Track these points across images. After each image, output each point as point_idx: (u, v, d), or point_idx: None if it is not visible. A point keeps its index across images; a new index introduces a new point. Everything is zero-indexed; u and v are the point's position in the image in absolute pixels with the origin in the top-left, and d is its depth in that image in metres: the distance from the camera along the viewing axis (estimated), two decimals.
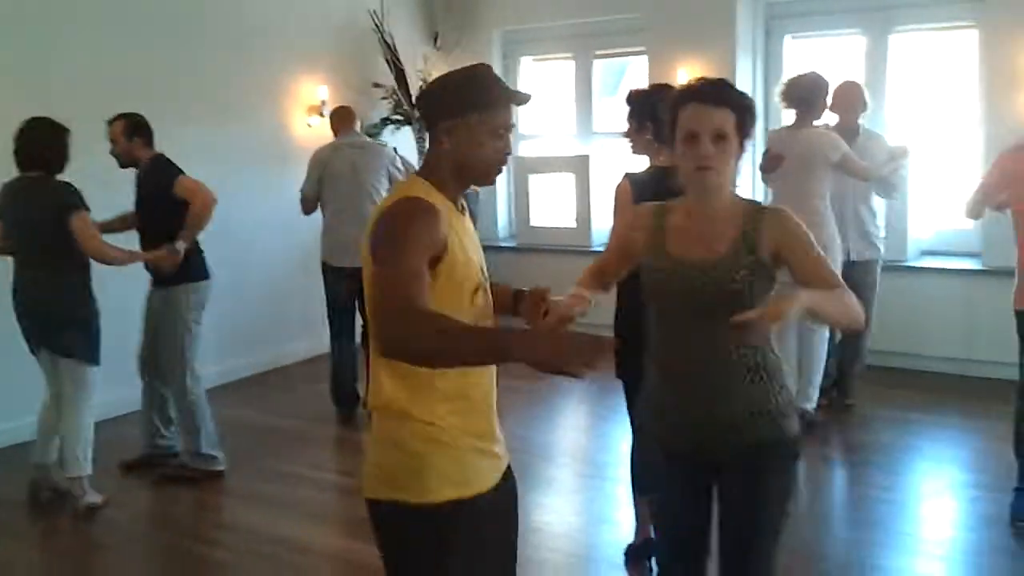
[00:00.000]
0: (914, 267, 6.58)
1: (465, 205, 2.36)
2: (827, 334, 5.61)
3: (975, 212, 4.65)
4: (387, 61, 7.99)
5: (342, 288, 5.84)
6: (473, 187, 2.42)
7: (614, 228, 2.50)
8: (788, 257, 2.49)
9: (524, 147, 8.78)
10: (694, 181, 2.49)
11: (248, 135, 7.15)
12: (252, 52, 7.12)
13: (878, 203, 5.84)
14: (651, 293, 2.60)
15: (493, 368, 2.31)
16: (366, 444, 2.53)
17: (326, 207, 5.99)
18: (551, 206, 8.39)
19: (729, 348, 2.48)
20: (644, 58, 7.74)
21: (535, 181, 8.40)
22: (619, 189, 3.80)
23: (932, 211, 6.88)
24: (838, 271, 5.39)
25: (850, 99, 5.64)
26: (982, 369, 6.39)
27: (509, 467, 2.42)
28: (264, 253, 7.24)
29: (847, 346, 5.88)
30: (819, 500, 4.90)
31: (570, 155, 8.22)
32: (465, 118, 2.20)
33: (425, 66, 8.13)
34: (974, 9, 6.52)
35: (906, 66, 6.97)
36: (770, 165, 5.41)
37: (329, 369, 6.17)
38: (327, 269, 6.03)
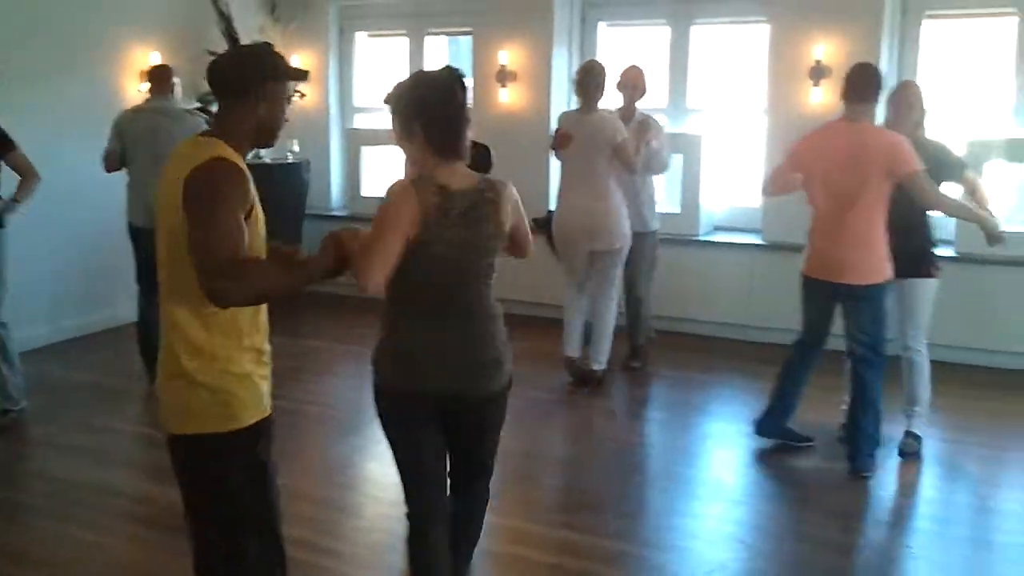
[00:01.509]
0: (706, 241, 7.20)
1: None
2: (615, 299, 6.17)
3: (769, 189, 5.13)
4: (221, 30, 8.12)
5: (147, 248, 5.88)
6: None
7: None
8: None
9: (358, 120, 9.08)
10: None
11: (81, 97, 7.19)
12: (83, 13, 7.17)
13: (655, 181, 6.46)
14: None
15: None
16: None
17: (130, 169, 5.98)
18: (382, 177, 8.72)
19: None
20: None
21: (367, 153, 8.73)
22: None
23: (724, 190, 7.54)
24: (628, 239, 5.98)
25: (633, 82, 6.22)
26: (760, 335, 7.08)
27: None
28: (95, 214, 7.27)
29: (630, 316, 6.47)
30: (614, 451, 5.42)
31: None
32: (274, 84, 2.60)
33: (261, 36, 8.29)
34: (766, 6, 7.15)
35: (706, 55, 7.58)
36: (560, 143, 5.95)
37: (137, 329, 6.12)
38: (132, 229, 6.02)
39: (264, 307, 2.68)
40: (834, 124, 4.81)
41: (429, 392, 2.92)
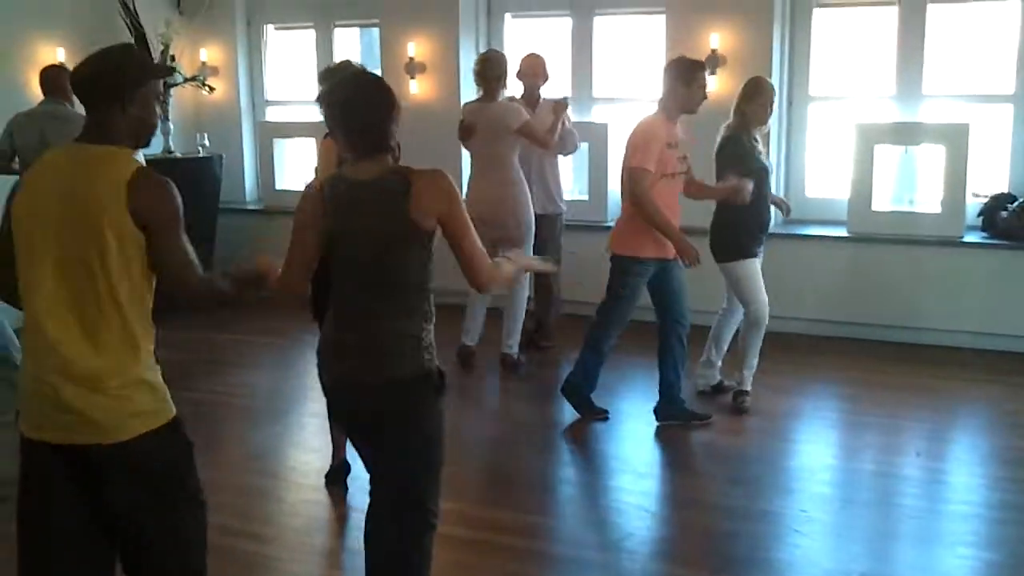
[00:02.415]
0: (610, 226, 7.40)
1: None
2: (524, 285, 6.37)
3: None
4: (126, 23, 8.05)
5: None
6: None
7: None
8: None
9: (270, 112, 9.11)
10: None
11: None
12: None
13: (563, 166, 6.73)
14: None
15: None
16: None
17: (21, 173, 5.65)
18: (295, 170, 8.77)
19: None
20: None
21: (280, 145, 8.77)
22: (325, 145, 4.27)
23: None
24: (531, 228, 6.12)
25: (534, 70, 6.45)
26: None
27: None
28: None
29: (540, 296, 6.67)
30: (528, 431, 5.64)
31: (313, 121, 8.58)
32: (146, 86, 2.63)
33: (167, 30, 8.24)
34: None
35: (610, 45, 7.79)
36: (464, 134, 6.18)
37: None
38: None
39: None
40: None
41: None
